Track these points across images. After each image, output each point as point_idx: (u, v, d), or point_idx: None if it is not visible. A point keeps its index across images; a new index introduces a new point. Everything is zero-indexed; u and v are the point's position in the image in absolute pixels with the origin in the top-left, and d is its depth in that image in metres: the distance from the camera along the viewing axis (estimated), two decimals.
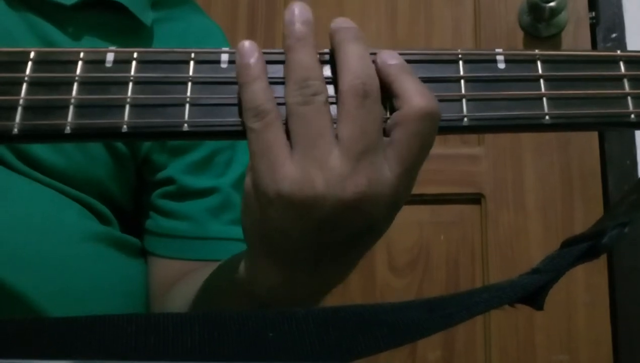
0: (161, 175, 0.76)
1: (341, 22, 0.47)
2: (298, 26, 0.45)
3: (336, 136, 0.42)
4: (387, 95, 0.44)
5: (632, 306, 1.26)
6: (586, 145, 1.33)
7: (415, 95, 0.43)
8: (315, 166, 0.42)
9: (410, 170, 0.43)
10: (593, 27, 1.37)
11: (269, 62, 0.45)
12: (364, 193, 0.42)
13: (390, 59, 0.45)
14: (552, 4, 1.30)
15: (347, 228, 0.44)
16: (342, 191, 0.42)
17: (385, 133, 0.43)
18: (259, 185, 0.43)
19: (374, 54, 0.45)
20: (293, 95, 0.43)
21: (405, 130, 0.42)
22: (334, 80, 0.45)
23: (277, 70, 0.45)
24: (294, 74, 0.43)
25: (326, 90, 0.43)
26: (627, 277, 1.27)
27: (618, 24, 1.36)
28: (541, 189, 1.33)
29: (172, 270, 0.73)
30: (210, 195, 0.76)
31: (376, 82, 0.43)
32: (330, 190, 0.42)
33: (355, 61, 0.44)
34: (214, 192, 0.76)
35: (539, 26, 1.36)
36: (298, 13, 0.46)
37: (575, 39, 1.36)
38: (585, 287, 1.27)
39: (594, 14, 1.37)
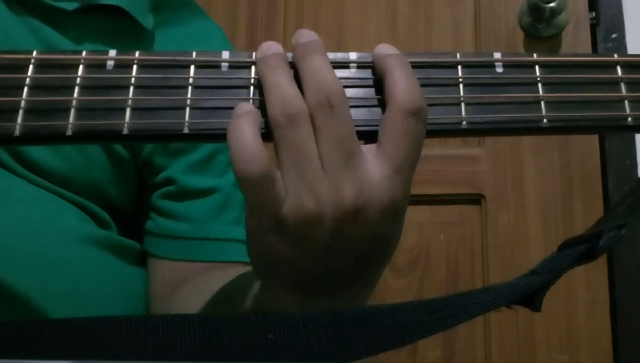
0: (161, 176, 0.76)
1: (298, 38, 0.45)
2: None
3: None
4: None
5: (632, 305, 1.26)
6: (586, 145, 1.34)
7: (400, 93, 0.42)
8: (304, 188, 0.42)
9: (401, 170, 0.43)
10: (593, 28, 1.37)
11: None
12: (356, 201, 0.42)
13: (387, 49, 0.45)
14: (552, 4, 1.30)
15: (352, 244, 0.43)
16: (335, 205, 0.42)
17: (378, 133, 0.43)
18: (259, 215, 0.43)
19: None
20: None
21: (391, 129, 0.42)
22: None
23: None
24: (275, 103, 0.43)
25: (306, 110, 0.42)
26: (627, 276, 1.27)
27: (618, 24, 1.36)
28: (541, 189, 1.33)
29: (174, 271, 0.73)
30: (211, 194, 0.76)
31: (338, 88, 0.43)
32: (324, 207, 0.42)
33: (313, 75, 0.43)
34: (214, 191, 0.76)
35: (539, 26, 1.36)
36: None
37: (575, 40, 1.36)
38: (585, 286, 1.27)
39: (594, 14, 1.37)
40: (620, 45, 1.35)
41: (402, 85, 0.43)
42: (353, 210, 0.42)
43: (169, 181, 0.75)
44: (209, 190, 0.76)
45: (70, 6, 0.71)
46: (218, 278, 0.66)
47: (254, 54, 0.46)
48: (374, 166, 0.42)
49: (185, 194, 0.75)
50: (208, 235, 0.74)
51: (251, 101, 0.45)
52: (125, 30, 0.74)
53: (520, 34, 1.39)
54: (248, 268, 0.72)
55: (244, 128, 0.41)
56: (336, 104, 0.42)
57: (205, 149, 0.76)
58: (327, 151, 0.42)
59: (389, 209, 0.43)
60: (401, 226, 0.46)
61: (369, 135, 0.44)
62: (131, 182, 0.76)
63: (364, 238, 0.43)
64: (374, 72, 0.46)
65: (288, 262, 0.44)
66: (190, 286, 0.70)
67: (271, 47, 0.45)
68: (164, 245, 0.74)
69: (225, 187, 0.77)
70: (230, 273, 0.65)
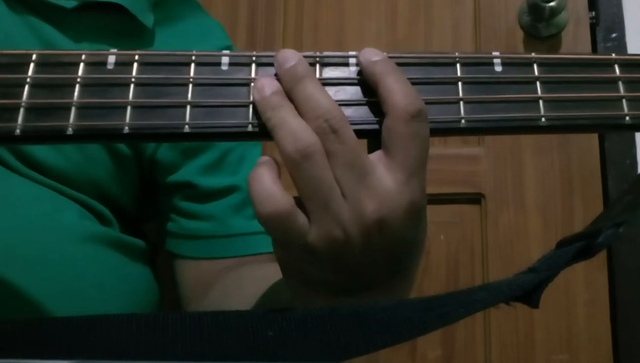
0: (176, 178, 0.76)
1: (282, 62, 0.45)
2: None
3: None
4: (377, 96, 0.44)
5: (632, 304, 1.26)
6: (586, 145, 1.33)
7: (397, 100, 0.43)
8: (328, 217, 0.42)
9: (415, 173, 0.43)
10: (593, 27, 1.37)
11: None
12: (379, 214, 0.42)
13: (374, 55, 0.45)
14: (551, 3, 1.30)
15: (382, 253, 0.44)
16: (360, 225, 0.42)
17: (382, 143, 0.43)
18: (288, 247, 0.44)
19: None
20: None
21: (397, 136, 0.43)
22: None
23: None
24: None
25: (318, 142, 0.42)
26: (627, 276, 1.27)
27: (618, 24, 1.36)
28: (541, 189, 1.33)
29: (203, 271, 0.74)
30: (231, 193, 0.77)
31: (337, 110, 0.43)
32: (350, 230, 0.42)
33: (309, 103, 0.43)
34: (234, 190, 0.77)
35: (539, 26, 1.36)
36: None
37: (575, 39, 1.36)
38: (585, 285, 1.27)
39: (593, 13, 1.37)
40: (620, 44, 1.35)
41: (397, 91, 0.43)
42: (377, 223, 0.42)
43: (187, 185, 0.76)
44: (229, 189, 0.77)
45: (70, 4, 0.71)
46: (249, 277, 0.67)
47: (253, 53, 0.46)
48: (388, 176, 0.43)
49: (207, 195, 0.76)
50: (232, 231, 0.76)
51: (251, 101, 0.45)
52: (125, 28, 0.74)
53: (520, 34, 1.38)
54: (274, 260, 0.74)
55: (262, 174, 0.42)
56: (339, 127, 0.42)
57: (216, 151, 0.77)
58: (341, 175, 0.42)
59: (410, 212, 0.44)
60: (425, 224, 0.47)
61: (371, 134, 0.44)
62: (133, 180, 0.76)
63: (392, 245, 0.44)
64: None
65: (323, 282, 0.45)
66: (222, 287, 0.71)
67: (265, 85, 0.44)
68: (190, 246, 0.75)
69: (242, 184, 0.77)
70: (260, 271, 0.66)
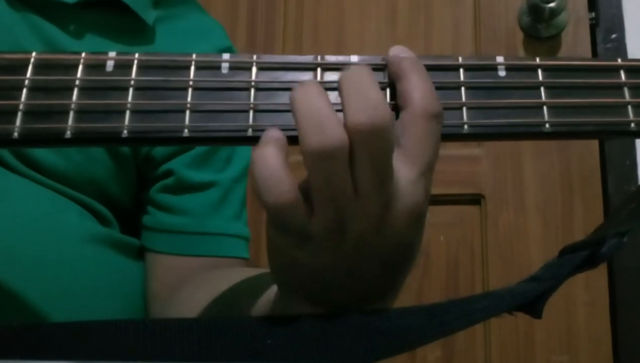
0: (162, 168, 0.75)
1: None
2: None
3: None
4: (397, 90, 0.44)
5: (632, 305, 1.26)
6: (586, 145, 1.33)
7: (420, 97, 0.42)
8: (332, 209, 0.40)
9: (424, 172, 0.42)
10: (593, 28, 1.37)
11: None
12: (381, 212, 0.41)
13: (402, 51, 0.44)
14: (551, 4, 1.30)
15: (376, 252, 0.42)
16: (361, 220, 0.40)
17: (394, 139, 0.43)
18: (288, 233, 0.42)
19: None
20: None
21: (415, 132, 0.41)
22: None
23: None
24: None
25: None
26: (626, 277, 1.27)
27: (618, 25, 1.36)
28: (541, 190, 1.33)
29: (173, 267, 0.73)
30: (209, 189, 0.75)
31: (386, 108, 0.40)
32: (349, 222, 0.40)
33: (358, 91, 0.40)
34: (212, 186, 0.75)
35: (539, 27, 1.36)
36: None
37: (575, 40, 1.36)
38: (585, 286, 1.27)
39: (593, 14, 1.37)
40: (619, 45, 1.35)
41: (421, 88, 0.42)
42: (377, 221, 0.41)
43: (168, 173, 0.74)
44: (208, 185, 0.75)
45: (71, 0, 0.71)
46: (222, 277, 0.65)
47: (254, 57, 0.46)
48: (399, 172, 0.41)
49: (184, 188, 0.75)
50: (207, 230, 0.74)
51: (251, 105, 0.44)
52: (126, 25, 0.74)
53: (520, 34, 1.38)
54: (248, 266, 0.72)
55: (269, 156, 0.39)
56: (385, 125, 0.39)
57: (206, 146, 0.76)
58: (364, 174, 0.40)
59: (412, 215, 0.42)
60: (423, 229, 0.44)
61: None
62: (132, 179, 0.76)
63: (389, 246, 0.42)
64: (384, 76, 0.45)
65: (312, 274, 0.43)
66: (193, 285, 0.69)
67: (311, 82, 0.42)
68: (161, 240, 0.74)
69: (224, 181, 0.76)
70: (235, 273, 0.65)
